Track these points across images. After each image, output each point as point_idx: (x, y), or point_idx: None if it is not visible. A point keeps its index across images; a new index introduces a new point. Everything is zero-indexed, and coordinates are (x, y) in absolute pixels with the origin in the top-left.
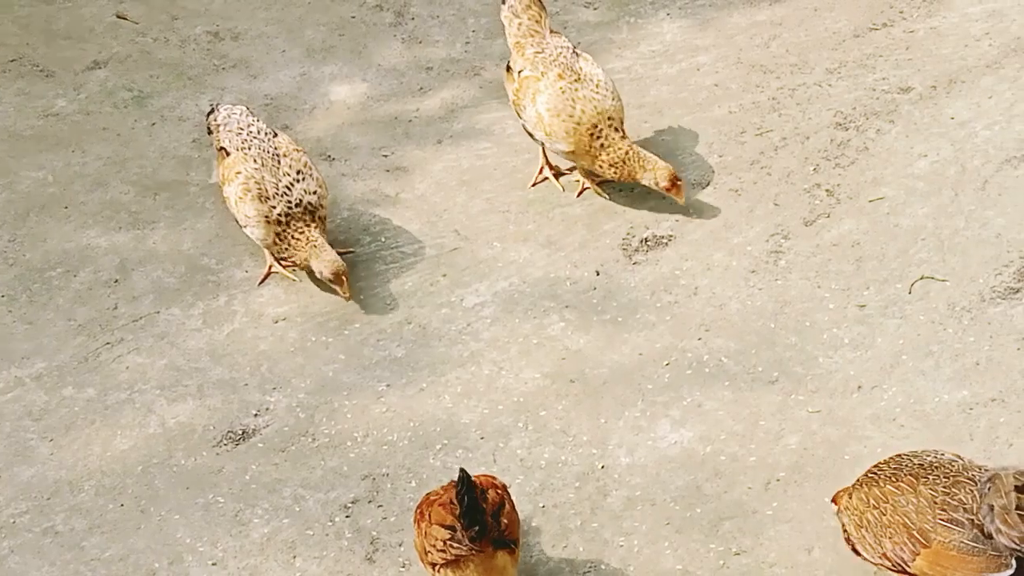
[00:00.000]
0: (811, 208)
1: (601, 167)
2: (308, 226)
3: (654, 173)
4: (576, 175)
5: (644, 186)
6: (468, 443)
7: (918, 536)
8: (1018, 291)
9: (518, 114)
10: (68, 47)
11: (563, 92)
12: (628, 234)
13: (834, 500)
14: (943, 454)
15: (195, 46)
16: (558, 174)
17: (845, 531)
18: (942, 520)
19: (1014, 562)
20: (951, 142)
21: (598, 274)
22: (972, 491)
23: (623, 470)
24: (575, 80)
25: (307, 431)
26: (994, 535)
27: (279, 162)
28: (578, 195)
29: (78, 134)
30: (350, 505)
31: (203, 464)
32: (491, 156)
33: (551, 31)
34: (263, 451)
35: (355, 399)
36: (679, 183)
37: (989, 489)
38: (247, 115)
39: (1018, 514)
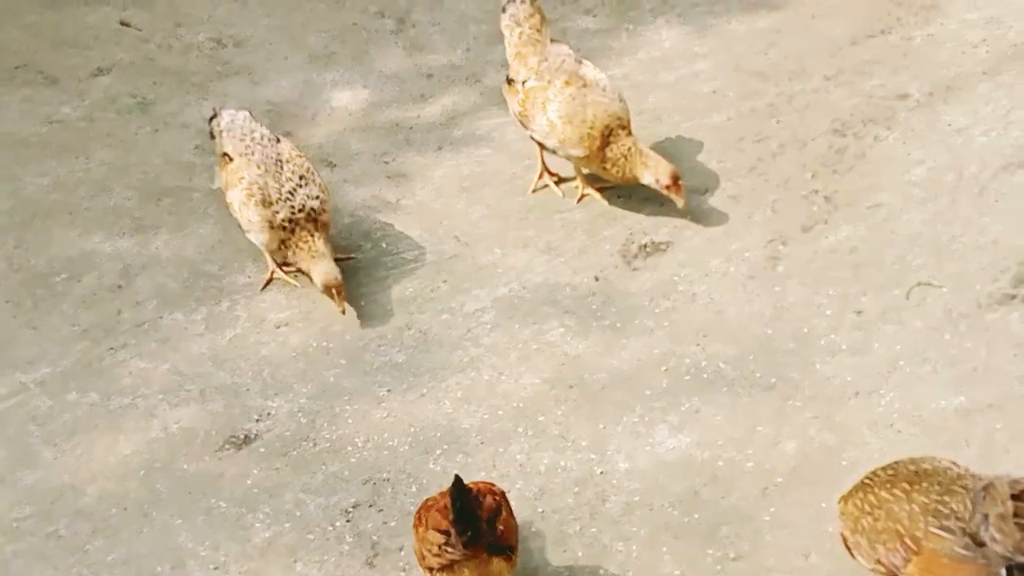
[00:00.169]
0: (809, 214)
1: (604, 166)
2: (312, 236)
3: (655, 170)
4: (576, 181)
5: (644, 187)
6: (468, 448)
7: (910, 543)
8: (1015, 297)
9: (525, 125)
10: (72, 54)
11: (573, 98)
12: (627, 240)
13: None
14: (940, 461)
15: (198, 53)
16: (558, 180)
17: (843, 536)
18: (934, 527)
19: (1004, 572)
20: (948, 149)
21: (597, 280)
22: (965, 499)
23: (622, 475)
24: (583, 86)
25: (308, 436)
26: (988, 543)
27: (282, 168)
28: (578, 201)
29: (82, 140)
30: (351, 510)
31: (205, 469)
32: (491, 162)
33: (551, 40)
34: (264, 456)
35: (356, 404)
36: (680, 183)
37: (984, 498)
38: (250, 121)
39: (1015, 522)
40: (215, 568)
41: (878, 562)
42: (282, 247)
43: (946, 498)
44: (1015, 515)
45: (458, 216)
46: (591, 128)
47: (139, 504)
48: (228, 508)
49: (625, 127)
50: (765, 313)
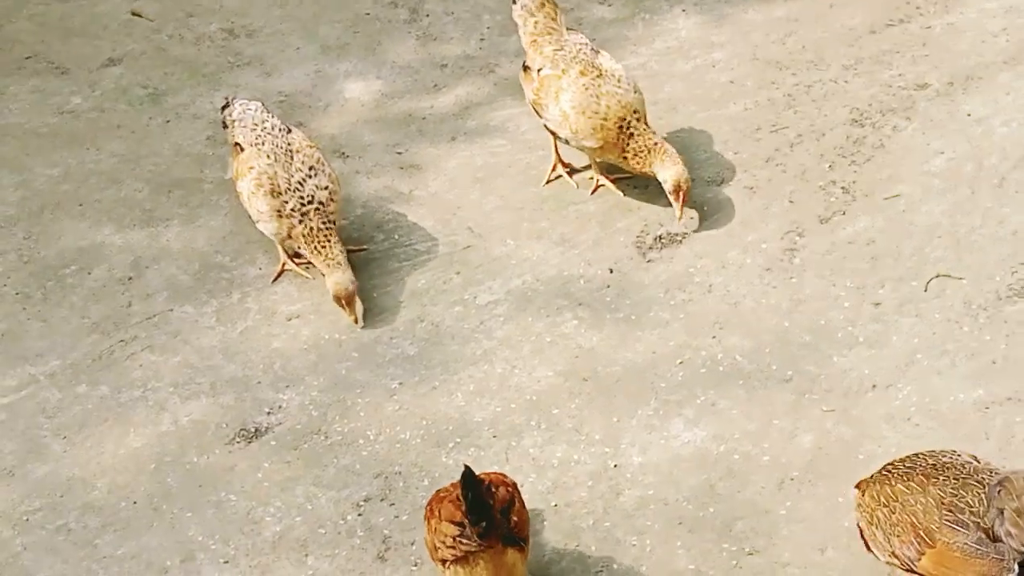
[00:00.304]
0: (826, 205)
1: (626, 158)
2: (329, 239)
3: (664, 171)
4: (590, 172)
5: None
6: (480, 441)
7: (924, 536)
8: None
9: (539, 113)
10: (83, 44)
11: (587, 89)
12: (642, 231)
13: (858, 486)
14: (959, 455)
15: (210, 43)
16: (572, 171)
17: (859, 528)
18: (947, 521)
19: (1016, 567)
20: (968, 139)
21: (612, 272)
22: (980, 494)
23: (636, 469)
24: (597, 76)
25: (320, 429)
26: (1003, 538)
27: (292, 158)
28: (592, 192)
29: (93, 131)
30: (362, 503)
31: (216, 462)
32: (505, 153)
33: (568, 28)
34: (275, 449)
35: (368, 397)
36: (683, 193)
37: (999, 492)
38: (262, 111)
39: None
40: (225, 562)
41: (893, 555)
42: (292, 239)
43: (962, 492)
44: None
45: (471, 207)
46: (604, 119)
47: (149, 497)
48: (239, 502)
49: (641, 118)
50: (782, 305)
